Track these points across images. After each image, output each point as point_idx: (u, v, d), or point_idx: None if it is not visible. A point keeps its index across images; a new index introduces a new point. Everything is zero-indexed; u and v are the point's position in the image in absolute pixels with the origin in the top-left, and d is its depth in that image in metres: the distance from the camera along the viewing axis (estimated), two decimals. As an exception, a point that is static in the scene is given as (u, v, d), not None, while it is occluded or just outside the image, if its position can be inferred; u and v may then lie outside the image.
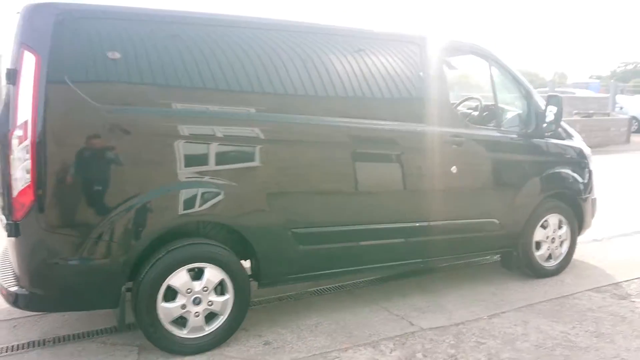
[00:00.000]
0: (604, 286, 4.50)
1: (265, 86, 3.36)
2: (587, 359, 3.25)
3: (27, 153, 2.81)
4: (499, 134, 4.35)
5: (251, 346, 3.40)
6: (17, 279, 3.06)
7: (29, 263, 2.95)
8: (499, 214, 4.32)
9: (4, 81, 4.10)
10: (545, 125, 4.42)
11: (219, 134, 3.22)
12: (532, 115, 4.47)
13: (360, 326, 3.69)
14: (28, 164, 2.81)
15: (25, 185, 2.83)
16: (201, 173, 3.18)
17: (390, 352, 3.32)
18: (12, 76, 2.84)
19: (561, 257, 4.76)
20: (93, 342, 3.45)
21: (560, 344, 3.44)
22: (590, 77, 53.43)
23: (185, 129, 3.13)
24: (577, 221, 4.81)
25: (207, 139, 3.19)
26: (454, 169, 4.00)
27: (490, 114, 4.63)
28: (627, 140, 17.06)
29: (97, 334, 3.56)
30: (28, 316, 3.82)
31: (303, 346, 3.40)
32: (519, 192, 4.38)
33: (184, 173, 3.14)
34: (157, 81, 3.09)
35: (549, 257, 4.70)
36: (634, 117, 19.62)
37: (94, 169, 2.96)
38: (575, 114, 16.21)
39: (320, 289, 4.34)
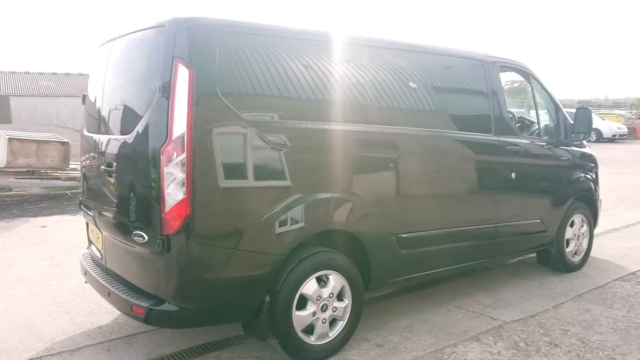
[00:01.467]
0: (626, 275, 5.10)
1: (389, 102, 3.60)
2: (658, 337, 3.74)
3: (183, 166, 2.79)
4: (542, 143, 4.83)
5: (366, 349, 3.53)
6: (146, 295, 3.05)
7: (182, 278, 2.90)
8: (542, 215, 4.78)
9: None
10: (574, 135, 4.98)
11: (351, 148, 3.41)
12: (561, 126, 5.01)
13: (450, 324, 3.94)
14: (183, 177, 2.80)
15: (180, 199, 2.81)
16: (336, 183, 3.32)
17: (495, 344, 3.61)
18: (166, 89, 2.81)
19: (583, 252, 5.33)
20: (207, 359, 3.42)
21: (630, 325, 3.90)
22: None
23: (323, 142, 3.27)
24: (594, 220, 5.42)
25: (342, 152, 3.35)
26: (513, 175, 4.40)
27: (524, 125, 5.12)
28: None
29: (206, 350, 3.52)
30: (117, 338, 3.69)
31: (414, 345, 3.59)
32: (557, 195, 4.89)
33: (323, 184, 3.25)
34: (296, 95, 3.19)
35: (575, 253, 5.24)
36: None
37: (244, 182, 2.99)
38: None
39: (386, 294, 4.53)
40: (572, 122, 4.99)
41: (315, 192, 3.23)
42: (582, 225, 5.29)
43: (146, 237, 2.94)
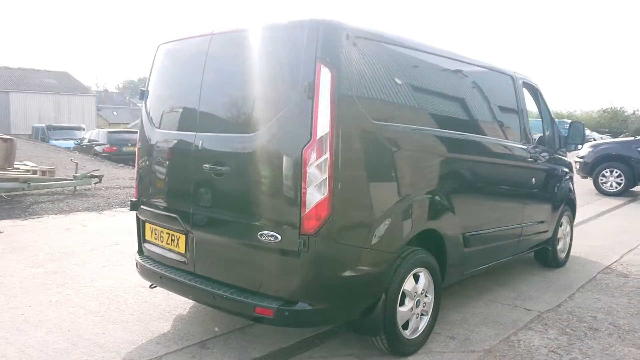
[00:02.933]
0: (604, 269, 5.82)
1: (465, 111, 3.97)
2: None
3: (325, 167, 2.83)
4: (548, 151, 5.41)
5: (443, 342, 3.75)
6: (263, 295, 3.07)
7: (318, 276, 2.92)
8: (546, 217, 5.35)
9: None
10: (567, 146, 5.64)
11: (446, 152, 3.71)
12: (556, 137, 5.64)
13: (495, 316, 4.29)
14: (325, 178, 2.84)
15: (321, 200, 2.84)
16: (435, 185, 3.56)
17: (547, 330, 4.01)
18: (310, 90, 2.83)
19: (567, 250, 6.01)
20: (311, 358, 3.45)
21: (639, 310, 4.53)
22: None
23: (431, 147, 3.57)
24: (573, 220, 6.15)
25: (441, 156, 3.65)
26: (533, 180, 4.91)
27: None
28: None
29: (296, 350, 3.53)
30: (194, 344, 3.56)
31: (480, 336, 3.87)
32: (556, 198, 5.49)
33: (427, 185, 3.46)
34: (411, 104, 3.41)
35: (562, 250, 5.90)
36: None
37: (373, 183, 3.12)
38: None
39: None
40: (565, 134, 5.64)
41: (422, 193, 3.43)
42: (567, 226, 5.97)
43: (279, 237, 2.92)
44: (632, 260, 6.24)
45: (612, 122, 45.60)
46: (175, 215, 3.48)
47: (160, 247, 3.71)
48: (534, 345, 3.74)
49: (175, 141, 3.53)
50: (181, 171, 3.48)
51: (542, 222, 5.28)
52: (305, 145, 2.83)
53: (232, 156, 3.17)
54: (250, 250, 3.12)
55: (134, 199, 3.96)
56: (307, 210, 2.84)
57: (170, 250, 3.61)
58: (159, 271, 3.59)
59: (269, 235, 2.95)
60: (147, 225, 3.83)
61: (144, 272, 3.79)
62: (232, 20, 3.46)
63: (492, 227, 4.36)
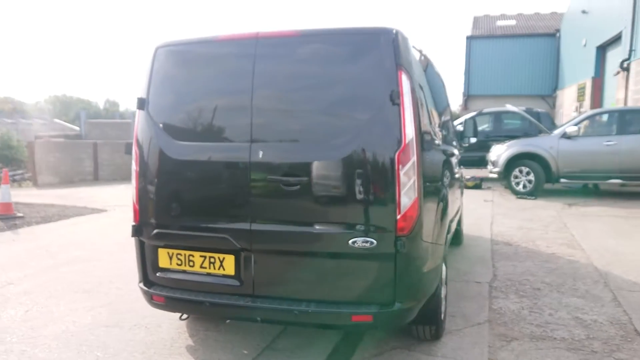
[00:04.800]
0: (491, 242, 6.98)
1: None
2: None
3: (414, 170, 3.01)
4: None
5: (449, 321, 4.18)
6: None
7: (413, 276, 3.07)
8: (461, 200, 6.22)
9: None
10: (464, 139, 6.58)
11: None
12: (452, 132, 6.54)
13: (463, 292, 4.89)
14: (414, 180, 3.01)
15: (412, 201, 3.00)
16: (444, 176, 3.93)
17: (509, 296, 4.77)
18: (396, 97, 2.94)
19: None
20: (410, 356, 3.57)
21: (544, 268, 5.63)
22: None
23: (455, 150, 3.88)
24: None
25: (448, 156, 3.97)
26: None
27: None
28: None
29: (345, 353, 3.57)
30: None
31: (470, 310, 4.44)
32: (461, 181, 6.42)
33: (452, 185, 3.83)
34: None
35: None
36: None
37: (432, 182, 3.40)
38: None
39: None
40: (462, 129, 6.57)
41: (452, 192, 3.80)
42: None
43: (374, 242, 2.97)
44: (500, 232, 7.60)
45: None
46: (224, 235, 3.18)
47: (188, 273, 3.34)
48: (513, 310, 4.44)
49: (217, 154, 3.24)
50: (230, 186, 3.21)
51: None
52: (398, 150, 2.94)
53: (309, 166, 3.07)
54: (336, 260, 3.08)
55: (134, 224, 3.45)
56: (401, 213, 2.97)
57: (208, 274, 3.29)
58: (201, 299, 3.23)
59: (363, 242, 2.98)
60: (163, 251, 3.40)
61: (172, 304, 3.36)
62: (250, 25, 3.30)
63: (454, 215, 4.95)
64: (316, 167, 3.08)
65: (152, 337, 3.88)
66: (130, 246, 6.64)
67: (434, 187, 3.45)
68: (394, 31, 3.08)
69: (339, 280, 3.13)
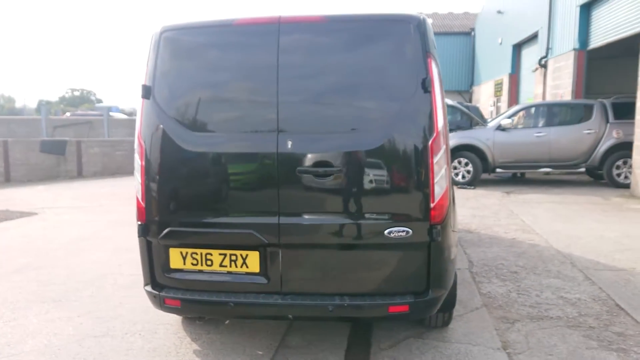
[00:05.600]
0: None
1: None
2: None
3: (444, 158, 3.01)
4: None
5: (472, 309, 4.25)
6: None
7: (444, 263, 3.10)
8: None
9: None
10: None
11: None
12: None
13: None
14: (445, 168, 3.01)
15: (444, 190, 3.01)
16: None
17: (492, 281, 4.94)
18: (427, 85, 2.91)
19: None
20: (454, 347, 3.55)
21: (512, 251, 5.90)
22: (40, 102, 55.99)
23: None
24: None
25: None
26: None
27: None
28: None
29: (359, 344, 3.52)
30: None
31: (463, 296, 4.54)
32: None
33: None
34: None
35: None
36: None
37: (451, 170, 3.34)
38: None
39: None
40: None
41: None
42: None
43: (410, 231, 2.94)
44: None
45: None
46: (249, 231, 3.00)
47: (205, 273, 3.12)
48: (502, 293, 4.60)
49: (239, 145, 3.03)
50: (255, 178, 3.03)
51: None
52: (431, 139, 2.92)
53: (341, 156, 2.96)
54: (370, 251, 3.02)
55: (141, 223, 3.17)
56: (435, 201, 2.95)
57: (228, 273, 3.09)
58: (224, 299, 3.03)
59: (399, 231, 2.94)
60: (175, 251, 3.15)
61: (190, 307, 3.12)
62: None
63: None
64: (348, 157, 2.98)
65: (152, 344, 3.60)
66: (80, 250, 6.22)
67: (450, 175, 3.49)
68: (422, 17, 3.05)
69: (373, 271, 3.07)
